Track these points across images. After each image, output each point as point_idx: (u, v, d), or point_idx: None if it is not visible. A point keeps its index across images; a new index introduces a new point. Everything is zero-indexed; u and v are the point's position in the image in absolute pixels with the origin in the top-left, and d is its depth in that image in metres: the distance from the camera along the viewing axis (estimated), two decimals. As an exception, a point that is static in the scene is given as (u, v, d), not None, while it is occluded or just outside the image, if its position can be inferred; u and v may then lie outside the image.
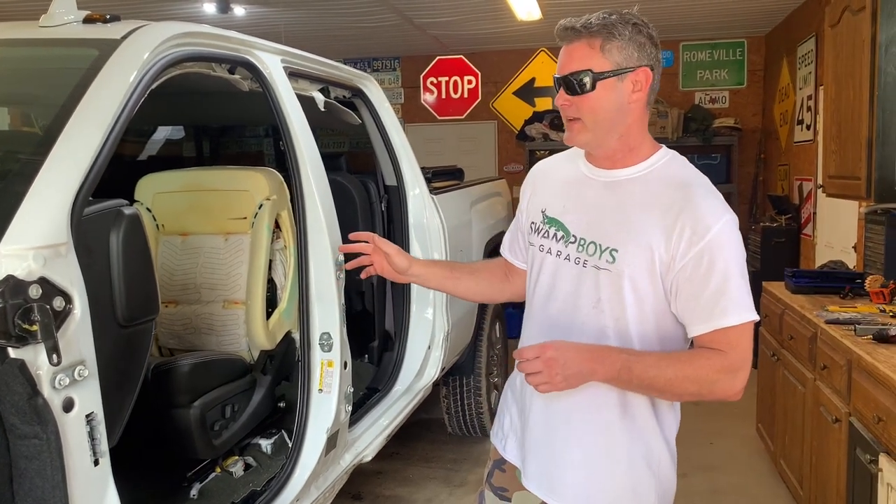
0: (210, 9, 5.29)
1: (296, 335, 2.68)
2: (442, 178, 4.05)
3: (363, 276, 1.88)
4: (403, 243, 3.40)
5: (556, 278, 1.56)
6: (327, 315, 2.49)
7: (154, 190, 2.71)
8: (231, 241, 2.65)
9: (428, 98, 7.14)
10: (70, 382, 1.39)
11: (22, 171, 1.47)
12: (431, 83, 7.16)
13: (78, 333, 1.41)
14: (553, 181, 1.65)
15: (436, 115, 7.17)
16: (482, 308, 3.95)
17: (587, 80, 1.44)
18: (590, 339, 1.49)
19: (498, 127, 7.50)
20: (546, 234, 1.59)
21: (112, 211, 1.61)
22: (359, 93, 3.34)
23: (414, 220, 3.39)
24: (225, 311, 2.61)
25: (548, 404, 1.57)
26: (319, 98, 2.94)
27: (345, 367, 2.55)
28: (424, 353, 3.41)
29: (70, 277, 1.40)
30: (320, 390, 2.49)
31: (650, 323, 1.48)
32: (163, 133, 4.37)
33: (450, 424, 4.13)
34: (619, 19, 1.45)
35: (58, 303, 1.36)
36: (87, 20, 2.00)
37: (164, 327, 2.64)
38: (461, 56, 7.05)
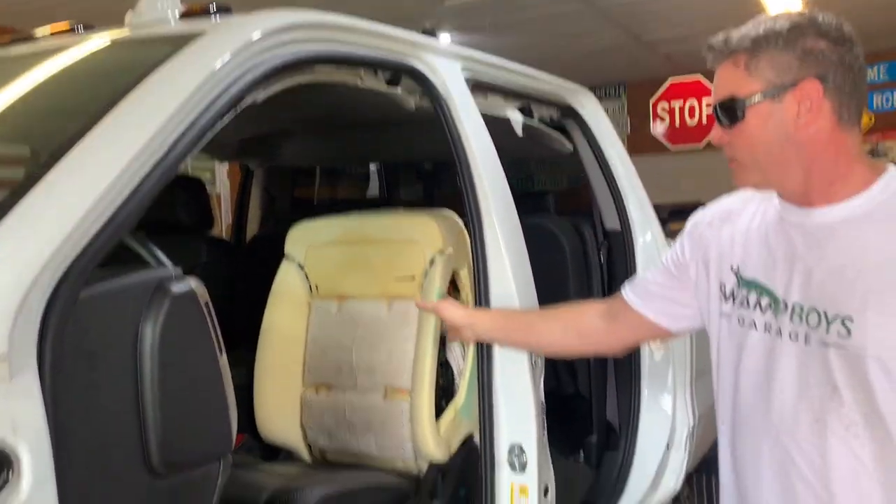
0: (413, 39, 4.89)
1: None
2: (682, 218, 3.13)
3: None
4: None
5: (769, 362, 1.22)
6: (519, 419, 1.75)
7: (307, 242, 2.15)
8: (395, 309, 2.00)
9: (658, 127, 6.29)
10: None
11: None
12: (662, 109, 6.33)
13: (22, 520, 0.78)
14: (738, 231, 1.31)
15: (668, 145, 6.29)
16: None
17: (734, 109, 1.17)
18: (835, 440, 1.16)
19: (745, 156, 6.35)
20: (745, 303, 1.26)
21: (141, 286, 0.99)
22: (570, 112, 2.59)
23: (644, 276, 2.56)
24: (386, 403, 1.96)
25: None
26: (516, 119, 2.24)
27: (545, 495, 1.78)
28: (661, 456, 2.54)
29: (12, 419, 0.78)
30: (509, 527, 1.74)
31: None
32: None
33: (694, 534, 3.16)
34: (772, 24, 1.15)
35: (-24, 469, 0.74)
36: (186, 14, 1.47)
37: (313, 420, 2.05)
38: (698, 77, 6.09)
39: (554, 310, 1.70)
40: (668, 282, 1.46)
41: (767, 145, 1.17)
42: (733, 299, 1.29)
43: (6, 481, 0.76)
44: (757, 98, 1.15)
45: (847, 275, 1.14)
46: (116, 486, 0.94)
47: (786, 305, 1.20)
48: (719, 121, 1.21)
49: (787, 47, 1.14)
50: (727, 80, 1.19)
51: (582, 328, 1.59)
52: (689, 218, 1.48)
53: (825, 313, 1.15)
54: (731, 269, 1.30)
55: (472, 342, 1.77)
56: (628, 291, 1.52)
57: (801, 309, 1.18)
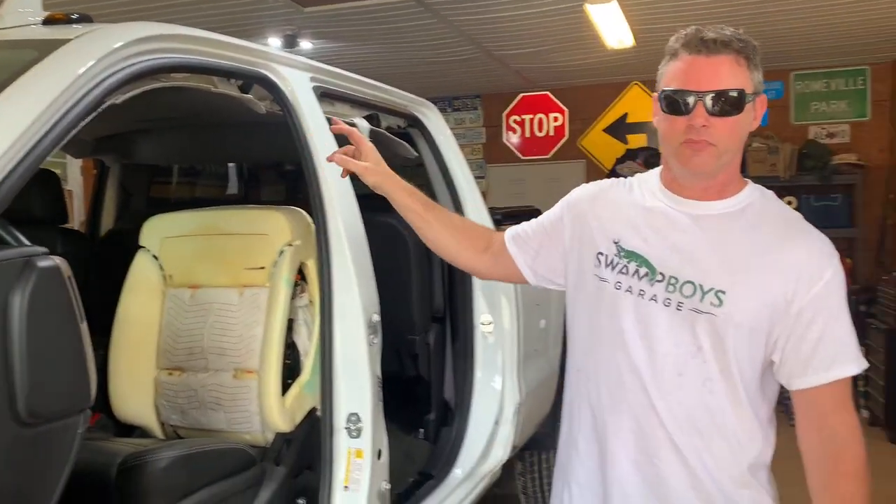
0: (275, 43, 5.02)
1: (323, 413, 2.17)
2: (515, 220, 3.47)
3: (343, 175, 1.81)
4: (466, 297, 2.87)
5: (642, 322, 1.40)
6: (356, 391, 1.98)
7: (162, 234, 2.29)
8: (246, 296, 2.18)
9: (511, 137, 6.71)
10: None
11: None
12: (515, 122, 6.75)
13: None
14: (620, 208, 1.50)
15: (519, 155, 6.72)
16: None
17: (740, 101, 1.32)
18: (692, 391, 1.39)
19: (587, 166, 6.91)
20: (624, 270, 1.43)
21: (13, 262, 1.15)
22: (415, 121, 2.86)
23: (479, 270, 2.85)
24: (236, 383, 2.13)
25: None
26: (363, 126, 2.47)
27: (378, 458, 2.02)
28: (491, 430, 2.85)
29: None
30: (346, 487, 1.97)
31: (757, 375, 1.39)
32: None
33: (527, 504, 3.52)
34: (748, 39, 1.35)
35: None
36: (49, 21, 1.61)
37: (166, 399, 2.19)
38: (547, 92, 6.57)
39: (459, 225, 1.82)
40: (542, 239, 1.64)
41: (741, 138, 1.37)
42: (612, 266, 1.45)
43: None
44: (751, 98, 1.34)
45: (720, 256, 1.37)
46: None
47: (662, 276, 1.39)
48: (717, 107, 1.30)
49: (759, 63, 1.35)
50: (734, 73, 1.32)
51: (471, 253, 1.74)
52: (572, 192, 1.66)
53: (701, 286, 1.35)
54: (612, 239, 1.47)
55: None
56: (510, 240, 1.69)
57: (676, 280, 1.37)
